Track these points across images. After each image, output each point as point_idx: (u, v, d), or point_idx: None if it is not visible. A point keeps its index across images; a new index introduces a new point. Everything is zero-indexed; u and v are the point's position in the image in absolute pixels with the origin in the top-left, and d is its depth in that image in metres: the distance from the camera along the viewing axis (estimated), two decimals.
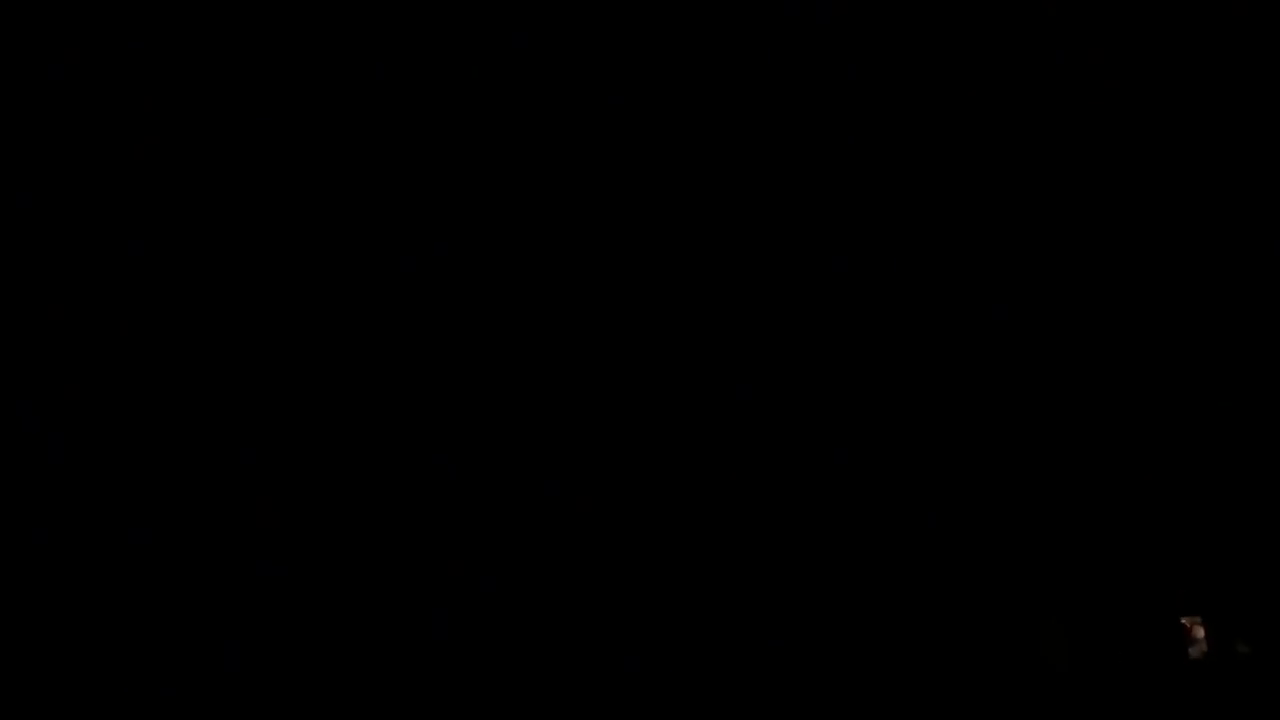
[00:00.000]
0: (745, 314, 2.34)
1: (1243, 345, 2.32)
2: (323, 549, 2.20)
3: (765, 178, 2.37)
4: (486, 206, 2.32)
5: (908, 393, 2.33)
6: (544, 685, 2.16)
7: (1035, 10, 2.37)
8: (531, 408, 2.29)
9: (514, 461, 2.26)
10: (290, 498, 2.21)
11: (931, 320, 2.36)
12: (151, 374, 2.20)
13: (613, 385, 2.30)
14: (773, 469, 2.29)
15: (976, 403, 2.34)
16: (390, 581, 2.20)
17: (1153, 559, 2.28)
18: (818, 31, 2.36)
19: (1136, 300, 2.36)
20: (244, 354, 2.24)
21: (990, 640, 2.23)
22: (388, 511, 2.23)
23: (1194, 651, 2.24)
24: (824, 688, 2.19)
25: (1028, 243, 2.37)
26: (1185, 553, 2.29)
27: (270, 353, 2.25)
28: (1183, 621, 2.26)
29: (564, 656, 2.18)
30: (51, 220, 2.19)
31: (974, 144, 2.38)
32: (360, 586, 2.19)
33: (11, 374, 2.16)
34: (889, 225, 2.37)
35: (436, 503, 2.24)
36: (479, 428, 2.27)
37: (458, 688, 2.15)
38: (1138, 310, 2.35)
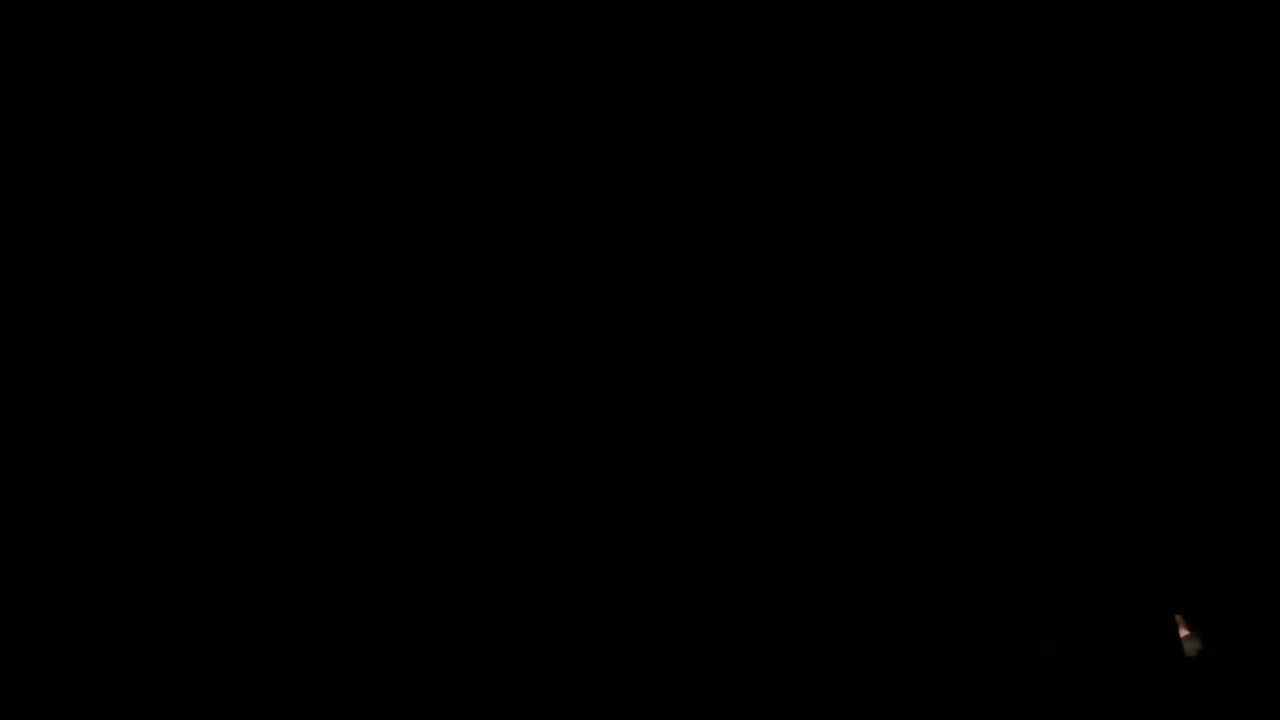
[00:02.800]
0: (745, 314, 2.34)
1: (1242, 346, 2.33)
2: (322, 549, 2.20)
3: (765, 177, 2.38)
4: (486, 207, 2.32)
5: (907, 392, 2.34)
6: (544, 685, 2.17)
7: (1035, 10, 2.37)
8: (531, 408, 2.29)
9: (514, 461, 2.27)
10: (290, 497, 2.21)
11: (931, 320, 2.36)
12: (152, 374, 2.20)
13: (613, 385, 2.30)
14: (773, 468, 2.30)
15: (975, 402, 2.34)
16: (389, 581, 2.20)
17: (1149, 557, 2.29)
18: (818, 31, 2.37)
19: (1135, 299, 2.37)
20: (244, 354, 2.24)
21: (989, 640, 2.24)
22: (387, 511, 2.23)
23: (1189, 649, 2.25)
24: (823, 687, 2.19)
25: (1028, 243, 2.37)
26: (1181, 551, 2.30)
27: (270, 352, 2.25)
28: (1177, 619, 2.27)
29: (564, 656, 2.19)
30: (51, 220, 2.19)
31: (974, 144, 2.38)
32: (359, 586, 2.19)
33: (11, 374, 2.16)
34: (890, 225, 2.37)
35: (436, 502, 2.24)
36: (478, 427, 2.27)
37: (457, 688, 2.16)
38: (1138, 309, 2.36)
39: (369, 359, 2.27)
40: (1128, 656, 2.22)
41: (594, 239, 2.33)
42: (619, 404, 2.29)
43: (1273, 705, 2.15)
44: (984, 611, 2.26)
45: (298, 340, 2.25)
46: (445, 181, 2.32)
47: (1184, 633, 2.25)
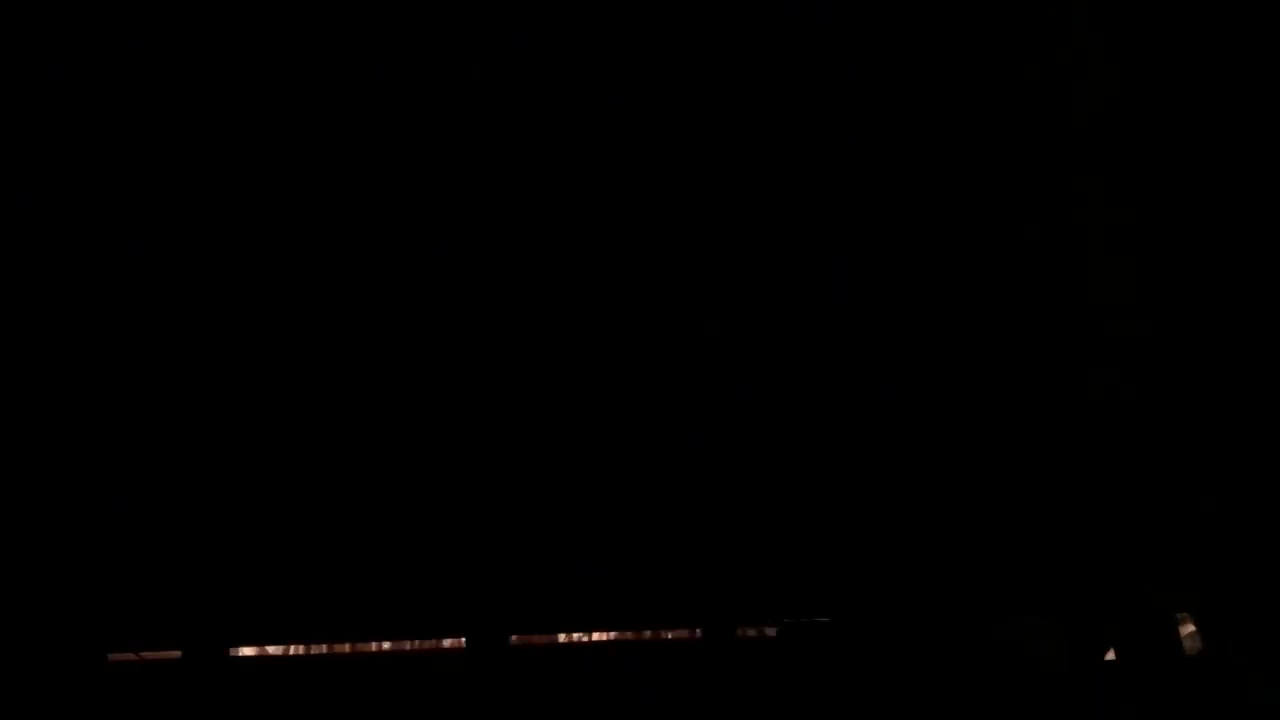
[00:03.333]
0: (746, 314, 2.34)
1: (1242, 346, 2.33)
2: (322, 548, 2.20)
3: (765, 177, 2.38)
4: (486, 206, 2.32)
5: (907, 392, 2.34)
6: (544, 684, 2.17)
7: (1035, 10, 2.37)
8: (531, 408, 2.29)
9: (514, 461, 2.26)
10: (289, 496, 2.21)
11: (931, 320, 2.36)
12: (152, 373, 2.20)
13: (613, 385, 2.30)
14: (773, 468, 2.30)
15: (975, 402, 2.34)
16: (389, 580, 2.20)
17: (1148, 557, 2.29)
18: (818, 31, 2.37)
19: (1135, 299, 2.37)
20: (244, 353, 2.24)
21: (989, 640, 2.24)
22: (387, 510, 2.23)
23: (1189, 649, 2.25)
24: (824, 686, 2.20)
25: (1028, 243, 2.37)
26: (1180, 550, 2.30)
27: (270, 351, 2.25)
28: (1176, 618, 2.27)
29: (563, 656, 2.19)
30: (51, 220, 2.19)
31: (974, 144, 2.38)
32: (359, 585, 2.19)
33: (11, 374, 2.16)
34: (889, 225, 2.37)
35: (435, 502, 2.24)
36: (478, 427, 2.27)
37: (458, 687, 2.16)
38: (1138, 309, 2.36)
39: (369, 358, 2.27)
40: (1128, 656, 2.22)
41: (594, 239, 2.33)
42: (619, 404, 2.29)
43: (1273, 705, 2.16)
44: (985, 610, 2.26)
45: (297, 339, 2.25)
46: (445, 181, 2.32)
47: (1184, 632, 2.26)
